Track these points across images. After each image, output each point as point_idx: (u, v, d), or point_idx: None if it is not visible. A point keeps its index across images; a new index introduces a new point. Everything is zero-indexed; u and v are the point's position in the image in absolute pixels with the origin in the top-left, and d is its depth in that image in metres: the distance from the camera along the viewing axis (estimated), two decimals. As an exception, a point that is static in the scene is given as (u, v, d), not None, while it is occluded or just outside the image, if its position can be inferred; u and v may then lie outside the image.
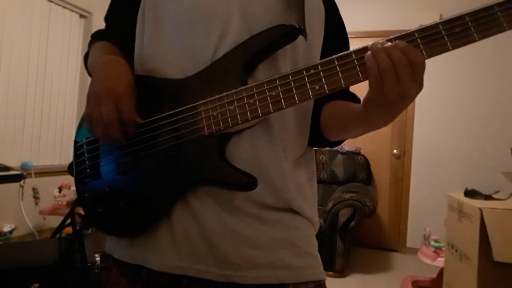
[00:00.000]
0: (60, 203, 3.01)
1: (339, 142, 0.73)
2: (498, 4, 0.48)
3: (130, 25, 0.70)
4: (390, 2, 3.87)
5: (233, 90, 0.57)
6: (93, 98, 0.58)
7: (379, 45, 0.50)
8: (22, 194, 2.91)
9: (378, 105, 0.52)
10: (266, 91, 0.55)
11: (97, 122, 0.57)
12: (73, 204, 2.45)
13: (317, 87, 0.53)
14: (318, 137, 0.70)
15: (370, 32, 3.80)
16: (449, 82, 3.68)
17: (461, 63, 3.61)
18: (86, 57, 0.75)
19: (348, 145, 3.88)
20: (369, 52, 0.50)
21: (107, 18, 0.78)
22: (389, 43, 0.49)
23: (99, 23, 3.64)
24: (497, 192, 2.28)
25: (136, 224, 0.62)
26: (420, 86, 0.50)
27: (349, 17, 4.04)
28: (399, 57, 0.48)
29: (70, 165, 0.70)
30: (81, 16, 3.64)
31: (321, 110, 0.69)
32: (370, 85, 0.51)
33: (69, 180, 3.19)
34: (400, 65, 0.48)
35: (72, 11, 3.53)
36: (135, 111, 0.59)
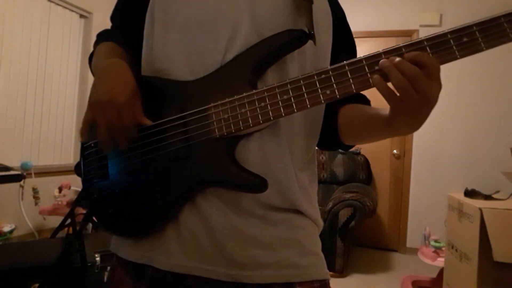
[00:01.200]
0: (60, 203, 3.01)
1: (353, 145, 0.74)
2: (504, 15, 0.49)
3: (137, 25, 0.70)
4: (390, 2, 3.87)
5: (244, 94, 0.57)
6: (96, 106, 0.58)
7: (388, 63, 0.51)
8: (22, 194, 2.91)
9: (403, 115, 0.53)
10: (278, 95, 0.56)
11: (101, 131, 0.58)
12: (73, 204, 2.45)
13: (328, 92, 0.54)
14: (333, 140, 0.71)
15: (370, 32, 3.80)
16: (449, 82, 3.68)
17: (461, 64, 3.60)
18: (91, 58, 0.75)
19: (348, 145, 3.88)
20: (376, 76, 0.52)
21: (113, 18, 0.78)
22: (398, 59, 0.50)
23: (99, 23, 3.64)
24: (497, 192, 2.28)
25: (146, 224, 0.62)
26: (438, 85, 0.51)
27: (349, 17, 4.01)
28: (409, 68, 0.49)
29: (77, 165, 0.70)
30: (81, 16, 3.63)
31: (338, 113, 0.69)
32: (389, 103, 0.53)
33: (69, 180, 3.19)
34: (413, 76, 0.49)
35: (72, 11, 3.53)
36: (141, 115, 0.60)
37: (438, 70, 0.50)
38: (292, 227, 0.64)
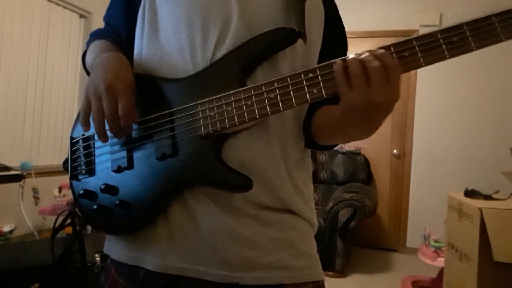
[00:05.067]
0: (60, 203, 3.01)
1: (331, 146, 0.73)
2: (496, 15, 0.48)
3: (129, 25, 0.70)
4: (390, 2, 3.87)
5: (231, 91, 0.57)
6: (94, 93, 0.56)
7: (354, 56, 0.50)
8: (22, 194, 2.90)
9: (351, 113, 0.52)
10: (264, 93, 0.55)
11: (98, 117, 0.56)
12: (73, 205, 2.45)
13: (315, 91, 0.54)
14: (310, 141, 0.70)
15: (370, 32, 3.80)
16: (449, 82, 3.68)
17: (462, 64, 3.61)
18: (84, 56, 0.74)
19: (348, 145, 3.89)
20: (338, 61, 0.50)
21: (106, 18, 0.77)
22: (365, 54, 0.49)
23: (99, 23, 3.62)
24: (497, 192, 2.28)
25: (130, 222, 0.62)
26: (394, 93, 0.49)
27: (349, 17, 4.04)
28: (370, 60, 0.48)
29: (65, 161, 0.70)
30: (81, 16, 3.63)
31: (314, 115, 0.69)
32: (340, 92, 0.51)
33: (69, 180, 3.18)
34: (372, 68, 0.48)
35: (72, 11, 3.53)
36: (134, 109, 0.58)
37: (397, 74, 0.48)
38: (285, 227, 0.63)
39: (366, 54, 0.49)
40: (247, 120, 0.56)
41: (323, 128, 0.67)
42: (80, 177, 0.66)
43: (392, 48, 0.50)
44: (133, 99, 0.58)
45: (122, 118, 0.55)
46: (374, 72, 0.48)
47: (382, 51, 0.49)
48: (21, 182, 2.69)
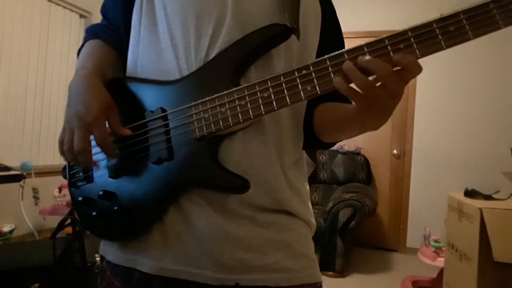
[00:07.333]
0: (60, 203, 3.00)
1: (333, 144, 0.73)
2: (493, 1, 0.46)
3: (127, 17, 0.69)
4: (390, 2, 3.87)
5: (224, 92, 0.56)
6: (67, 127, 0.59)
7: (350, 65, 0.49)
8: (22, 194, 2.90)
9: (367, 111, 0.52)
10: (258, 92, 0.54)
11: (69, 151, 0.58)
12: (71, 210, 2.45)
13: (309, 88, 0.52)
14: (311, 139, 0.70)
15: (370, 32, 3.79)
16: (449, 82, 3.68)
17: (461, 63, 3.61)
18: (79, 53, 0.73)
19: (348, 145, 3.89)
20: (337, 78, 0.50)
21: (102, 10, 0.76)
22: (367, 58, 0.49)
23: (99, 23, 3.63)
24: (497, 192, 2.28)
25: (130, 227, 0.61)
26: (405, 84, 0.49)
27: (349, 17, 4.03)
28: (380, 67, 0.48)
29: (64, 168, 0.70)
30: (81, 16, 3.63)
31: (314, 112, 0.68)
32: (353, 101, 0.52)
33: (69, 180, 3.17)
34: (384, 76, 0.48)
35: (72, 11, 3.53)
36: (119, 126, 0.60)
37: (416, 75, 0.48)
38: (282, 228, 0.62)
39: (367, 59, 0.48)
40: (241, 120, 0.55)
41: (331, 125, 0.66)
42: (78, 184, 0.66)
43: (386, 41, 0.49)
44: (111, 121, 0.59)
45: (100, 147, 0.57)
46: (387, 77, 0.48)
47: (402, 55, 0.48)
48: (21, 182, 2.69)
